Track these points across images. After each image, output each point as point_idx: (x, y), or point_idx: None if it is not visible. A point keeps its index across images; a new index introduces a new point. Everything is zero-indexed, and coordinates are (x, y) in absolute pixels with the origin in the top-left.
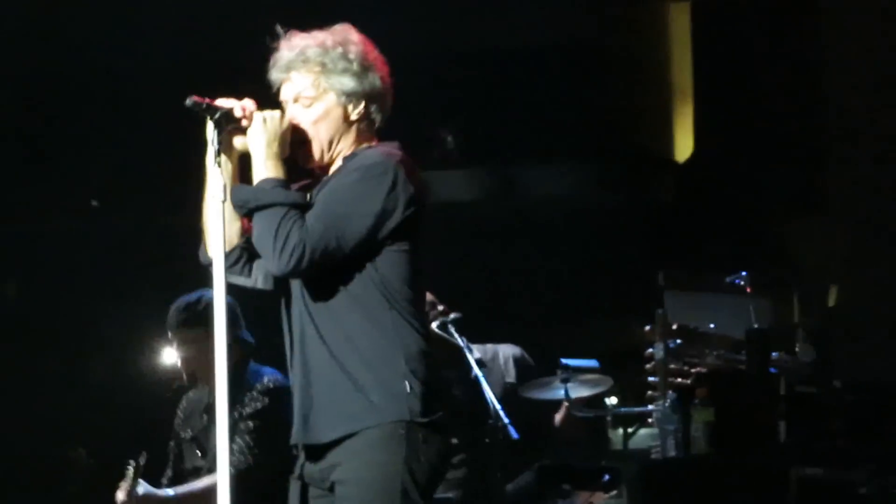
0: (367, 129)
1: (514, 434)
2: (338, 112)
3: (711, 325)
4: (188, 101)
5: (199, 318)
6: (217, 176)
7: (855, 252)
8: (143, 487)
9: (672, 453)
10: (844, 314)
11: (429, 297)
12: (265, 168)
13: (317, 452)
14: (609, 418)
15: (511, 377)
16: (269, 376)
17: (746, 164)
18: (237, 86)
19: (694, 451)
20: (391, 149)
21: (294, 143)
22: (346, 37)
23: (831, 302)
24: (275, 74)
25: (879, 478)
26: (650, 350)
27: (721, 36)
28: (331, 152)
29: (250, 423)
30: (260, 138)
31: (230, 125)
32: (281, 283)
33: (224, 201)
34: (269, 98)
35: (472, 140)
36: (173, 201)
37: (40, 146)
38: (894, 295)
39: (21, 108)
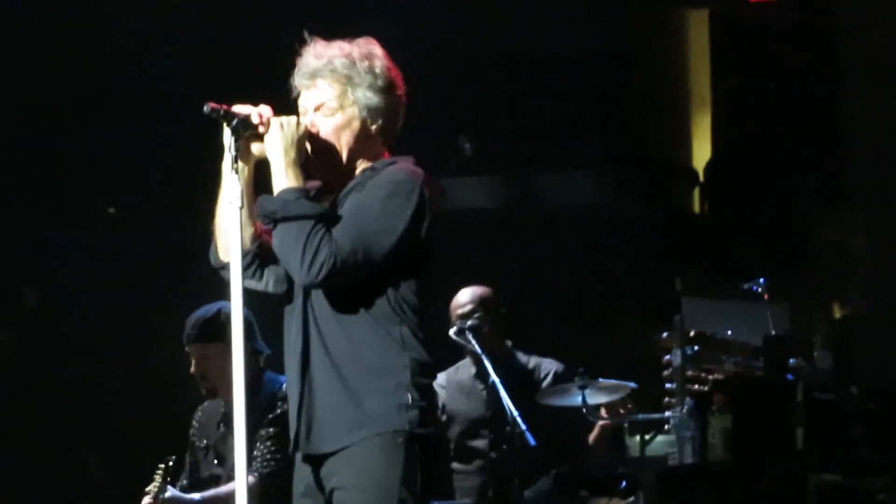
0: (382, 144)
1: (531, 440)
2: (357, 124)
3: (729, 332)
4: (205, 108)
5: (218, 332)
6: (234, 182)
7: (873, 256)
8: (169, 491)
9: (689, 460)
10: (862, 320)
11: (466, 297)
12: (286, 177)
13: (316, 461)
14: (626, 425)
15: None
16: (285, 382)
17: (764, 171)
18: (254, 92)
19: (711, 457)
20: (411, 165)
21: (314, 152)
22: (371, 50)
23: (849, 308)
24: (298, 80)
25: None
26: (668, 357)
27: (739, 44)
28: (348, 164)
29: (271, 430)
30: (278, 145)
31: (247, 132)
32: (287, 290)
33: (241, 208)
34: (285, 104)
35: (491, 147)
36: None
37: (58, 154)
38: None
39: (38, 116)
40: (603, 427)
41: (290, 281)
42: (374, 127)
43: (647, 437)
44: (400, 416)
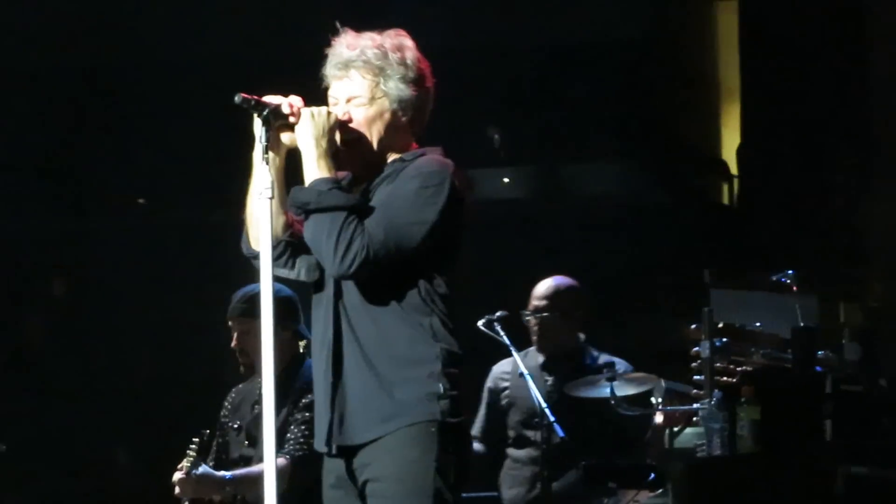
0: (412, 135)
1: (560, 432)
2: (388, 116)
3: (757, 324)
4: (236, 98)
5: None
6: (265, 172)
7: None
8: (201, 468)
9: (718, 452)
10: (891, 311)
11: (543, 288)
12: (317, 167)
13: (349, 452)
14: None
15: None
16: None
17: (794, 162)
18: (285, 82)
19: (740, 449)
20: (441, 155)
21: (343, 142)
22: (402, 42)
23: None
24: (330, 70)
25: None
26: (696, 348)
27: (768, 34)
28: (377, 155)
29: (307, 414)
30: (309, 135)
31: (278, 122)
32: (318, 279)
33: (272, 198)
34: (315, 94)
35: (520, 138)
36: (220, 198)
37: (87, 143)
38: None
39: (68, 106)
40: (656, 427)
41: (321, 270)
42: (404, 118)
43: (675, 429)
44: (432, 405)
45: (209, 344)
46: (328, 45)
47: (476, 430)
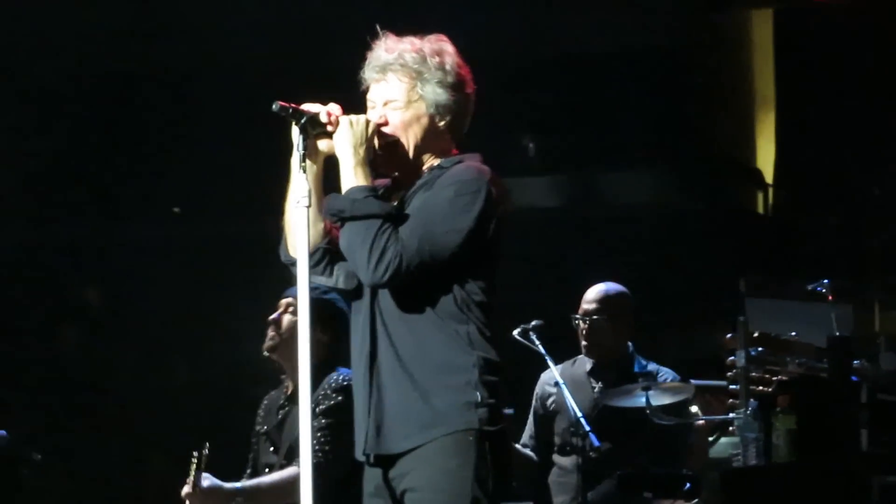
0: (450, 141)
1: (595, 441)
2: (426, 120)
3: (793, 333)
4: (274, 106)
5: (314, 302)
6: (301, 181)
7: None
8: (208, 480)
9: (753, 461)
10: None
11: (593, 294)
12: (354, 175)
13: (387, 461)
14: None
15: None
16: (343, 374)
17: (829, 171)
18: (323, 89)
19: (775, 459)
20: (479, 163)
21: (380, 146)
22: (442, 47)
23: None
24: (368, 73)
25: None
26: (731, 358)
27: (804, 43)
28: (415, 159)
29: (323, 420)
30: (347, 143)
31: (316, 130)
32: (356, 287)
33: (309, 206)
34: (354, 101)
35: (553, 146)
36: (255, 207)
37: (122, 152)
38: None
39: (103, 116)
40: (700, 428)
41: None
42: (442, 123)
43: (711, 438)
44: (470, 414)
45: (245, 353)
46: (366, 51)
47: (525, 437)
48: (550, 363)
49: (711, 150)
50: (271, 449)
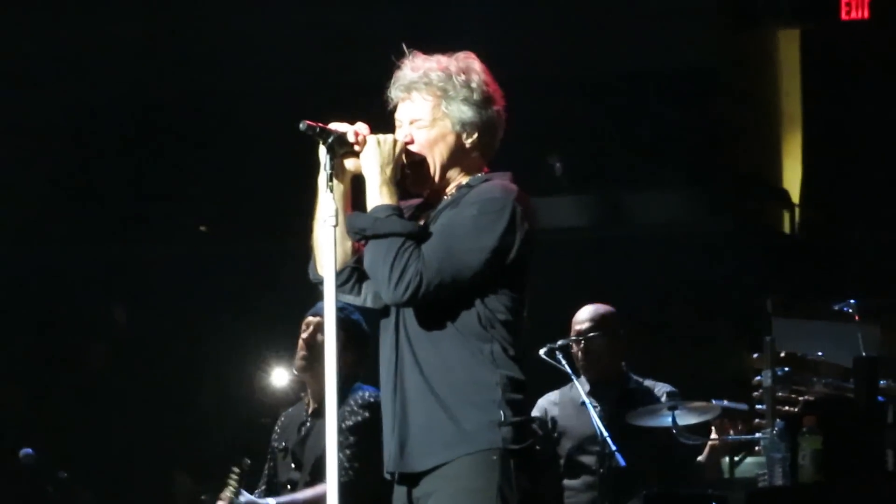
0: (480, 158)
1: (621, 461)
2: (452, 138)
3: (819, 353)
4: (301, 126)
5: (344, 322)
6: (329, 200)
7: None
8: (244, 497)
9: (779, 482)
10: None
11: (585, 315)
12: (380, 194)
13: (411, 480)
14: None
15: None
16: (368, 391)
17: (856, 191)
18: (350, 109)
19: (801, 479)
20: (507, 181)
21: (407, 165)
22: (469, 65)
23: None
24: (394, 92)
25: None
26: (758, 377)
27: (830, 63)
28: (442, 177)
29: (351, 438)
30: (374, 162)
31: (343, 149)
32: (384, 306)
33: (335, 226)
34: (381, 121)
35: (581, 166)
36: (281, 225)
37: (149, 170)
38: None
39: (131, 136)
40: (713, 447)
41: None
42: (468, 141)
43: (736, 458)
44: (493, 433)
45: (270, 371)
46: (394, 69)
47: None
48: (576, 383)
49: (738, 169)
50: (293, 465)
